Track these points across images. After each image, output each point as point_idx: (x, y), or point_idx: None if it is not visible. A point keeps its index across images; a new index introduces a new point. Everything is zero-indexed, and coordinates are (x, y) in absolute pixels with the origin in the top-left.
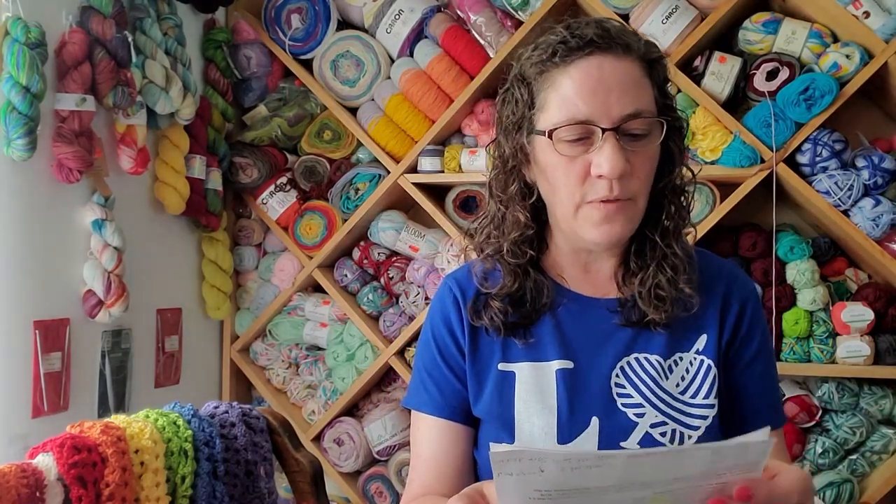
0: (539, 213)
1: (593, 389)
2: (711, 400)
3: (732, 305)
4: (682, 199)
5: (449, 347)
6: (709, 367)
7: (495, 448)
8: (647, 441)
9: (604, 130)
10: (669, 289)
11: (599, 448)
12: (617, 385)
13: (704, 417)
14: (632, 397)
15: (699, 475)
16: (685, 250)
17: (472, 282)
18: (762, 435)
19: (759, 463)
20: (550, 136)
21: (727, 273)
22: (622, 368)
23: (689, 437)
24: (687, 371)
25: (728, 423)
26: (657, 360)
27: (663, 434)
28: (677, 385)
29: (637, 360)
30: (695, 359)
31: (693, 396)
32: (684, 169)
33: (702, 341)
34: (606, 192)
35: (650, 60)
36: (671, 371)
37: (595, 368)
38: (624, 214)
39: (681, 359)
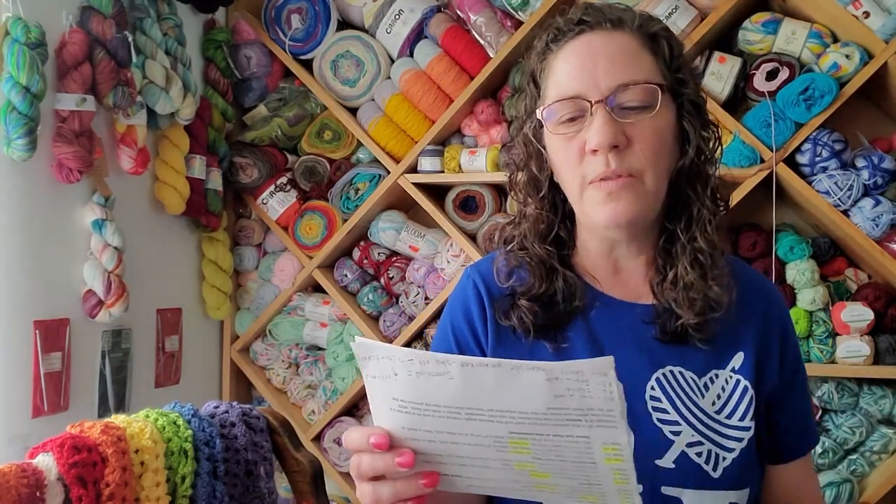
0: (568, 214)
1: (628, 401)
2: (748, 423)
3: (774, 330)
4: (706, 184)
5: (469, 344)
6: (745, 388)
7: (358, 341)
8: (684, 460)
9: (592, 104)
10: (700, 285)
11: (636, 465)
12: (652, 398)
13: (740, 440)
14: (668, 413)
15: (548, 414)
16: (710, 242)
17: (497, 277)
18: (603, 364)
19: (612, 413)
20: (543, 118)
21: (766, 290)
22: (658, 380)
23: (724, 458)
24: (723, 389)
25: (761, 444)
26: (692, 378)
27: (699, 454)
28: (713, 403)
29: (672, 372)
30: (730, 377)
31: (729, 417)
32: (709, 150)
33: (738, 359)
34: (604, 167)
35: (650, 34)
36: (707, 389)
37: (630, 379)
38: (628, 192)
39: (716, 376)
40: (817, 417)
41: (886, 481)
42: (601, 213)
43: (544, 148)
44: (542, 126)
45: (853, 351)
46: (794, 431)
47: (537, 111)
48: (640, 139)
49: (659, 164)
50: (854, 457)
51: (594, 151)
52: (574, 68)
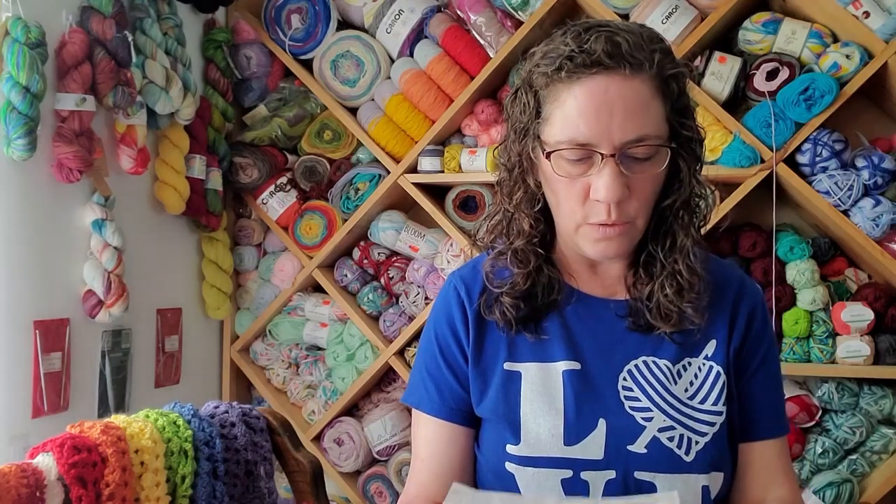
0: (548, 213)
1: (601, 391)
2: (720, 407)
3: (741, 312)
4: (693, 214)
5: (451, 348)
6: (718, 374)
7: (455, 488)
8: (656, 445)
9: (603, 156)
10: (676, 302)
11: (605, 451)
12: (624, 388)
13: (712, 424)
14: (639, 401)
15: None
16: (690, 268)
17: (478, 279)
18: (671, 501)
19: None
20: (549, 157)
21: (737, 280)
22: (630, 371)
23: (697, 442)
24: (696, 376)
25: (732, 430)
26: (666, 365)
27: (671, 439)
28: (686, 390)
29: (645, 363)
30: (703, 364)
31: (702, 402)
32: (697, 181)
33: (711, 347)
34: (605, 217)
35: (664, 78)
36: (679, 376)
37: (602, 370)
38: (622, 236)
39: (689, 364)
40: (817, 417)
41: (887, 481)
42: (592, 250)
43: (539, 165)
44: (535, 143)
45: (853, 351)
46: (762, 418)
47: (547, 148)
48: (639, 188)
49: (650, 206)
50: (854, 457)
51: (598, 200)
52: (587, 112)
